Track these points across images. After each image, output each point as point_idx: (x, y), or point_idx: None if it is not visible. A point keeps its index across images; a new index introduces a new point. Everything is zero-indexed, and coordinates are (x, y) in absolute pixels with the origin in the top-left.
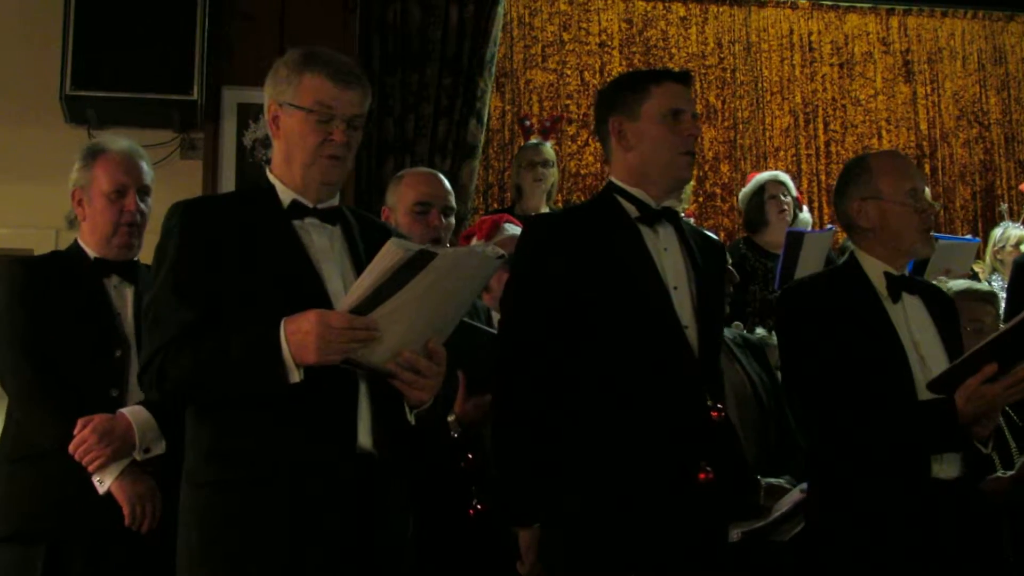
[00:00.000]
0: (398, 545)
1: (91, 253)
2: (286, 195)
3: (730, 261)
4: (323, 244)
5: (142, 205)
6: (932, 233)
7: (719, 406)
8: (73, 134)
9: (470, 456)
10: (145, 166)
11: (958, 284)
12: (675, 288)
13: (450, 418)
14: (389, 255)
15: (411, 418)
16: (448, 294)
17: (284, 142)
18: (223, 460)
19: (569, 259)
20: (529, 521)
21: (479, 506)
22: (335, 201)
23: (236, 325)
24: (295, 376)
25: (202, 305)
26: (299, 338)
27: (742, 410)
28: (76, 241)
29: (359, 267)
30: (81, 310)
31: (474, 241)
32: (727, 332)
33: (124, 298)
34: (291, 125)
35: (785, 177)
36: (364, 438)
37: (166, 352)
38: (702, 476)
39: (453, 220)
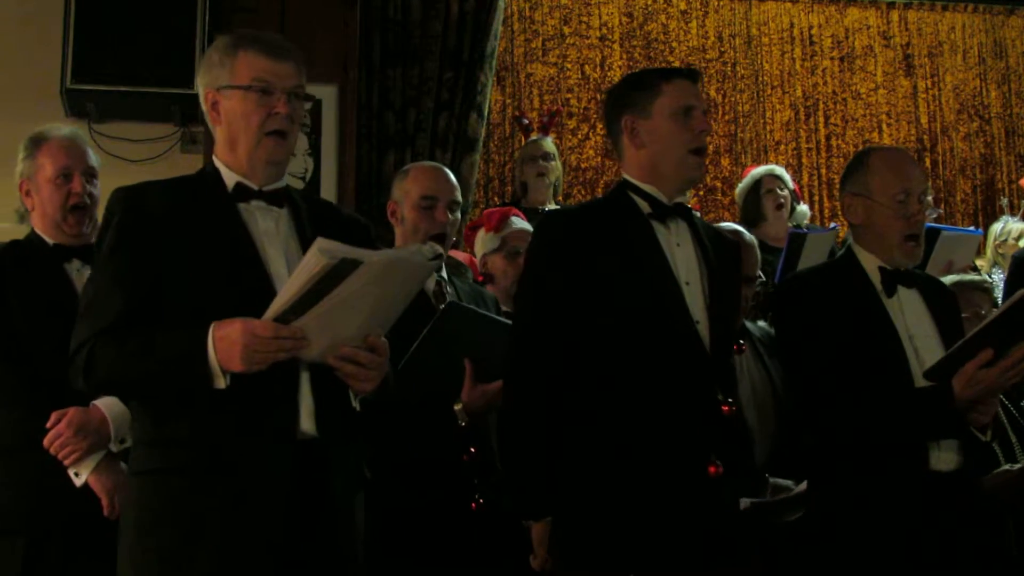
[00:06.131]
0: (345, 530)
1: (49, 240)
2: (231, 178)
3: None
4: (268, 227)
5: (89, 187)
6: (919, 240)
7: (730, 400)
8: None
9: (472, 450)
10: (89, 151)
11: (948, 279)
12: (687, 284)
13: (457, 407)
14: (311, 264)
15: (356, 404)
16: (384, 293)
17: (226, 127)
18: (162, 448)
19: (583, 255)
20: (541, 515)
21: (481, 500)
22: (282, 183)
23: (175, 314)
24: (220, 382)
25: (139, 294)
26: (225, 346)
27: (761, 411)
28: (32, 230)
29: (307, 249)
30: (45, 298)
31: (481, 233)
32: (755, 330)
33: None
34: (232, 107)
35: (781, 170)
36: (307, 423)
37: (94, 343)
38: (712, 470)
39: (459, 215)
